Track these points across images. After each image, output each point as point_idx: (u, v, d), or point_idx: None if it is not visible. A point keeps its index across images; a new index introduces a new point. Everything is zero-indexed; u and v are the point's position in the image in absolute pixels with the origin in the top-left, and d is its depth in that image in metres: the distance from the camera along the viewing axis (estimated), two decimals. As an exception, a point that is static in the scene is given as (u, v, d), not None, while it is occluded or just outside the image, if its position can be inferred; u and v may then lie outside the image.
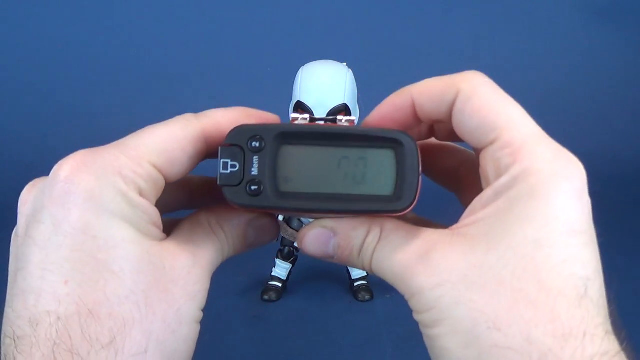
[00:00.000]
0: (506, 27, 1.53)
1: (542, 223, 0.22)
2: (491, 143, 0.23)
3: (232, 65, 1.50)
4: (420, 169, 0.24)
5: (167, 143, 0.24)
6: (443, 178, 0.31)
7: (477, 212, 0.24)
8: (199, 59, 1.52)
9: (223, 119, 0.26)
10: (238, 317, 0.86)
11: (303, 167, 0.24)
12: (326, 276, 0.98)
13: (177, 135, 0.25)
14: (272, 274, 0.92)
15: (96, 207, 0.22)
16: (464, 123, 0.24)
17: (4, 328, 0.22)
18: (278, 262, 0.92)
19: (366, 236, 0.25)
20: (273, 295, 0.90)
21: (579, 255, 0.22)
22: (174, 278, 0.24)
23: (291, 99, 0.78)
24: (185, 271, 0.24)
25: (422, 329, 0.24)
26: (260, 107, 0.27)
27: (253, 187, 0.24)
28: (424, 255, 0.23)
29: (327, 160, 0.24)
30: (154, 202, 0.24)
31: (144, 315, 0.22)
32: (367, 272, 0.26)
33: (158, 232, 0.24)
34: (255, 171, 0.24)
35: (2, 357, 0.22)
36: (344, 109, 0.74)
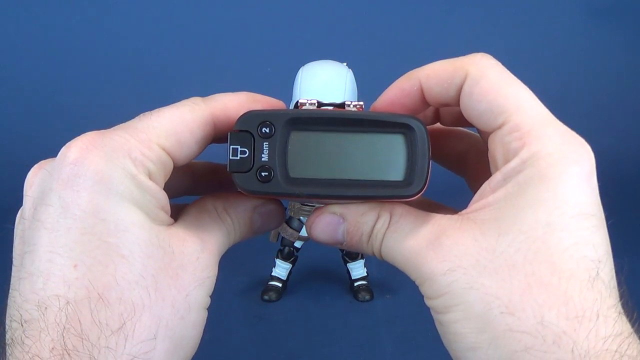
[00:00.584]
0: (506, 27, 1.53)
1: (552, 206, 0.22)
2: (499, 127, 0.23)
3: (232, 65, 1.50)
4: (430, 153, 0.24)
5: (176, 126, 0.24)
6: (451, 162, 0.31)
7: (487, 197, 0.23)
8: (199, 59, 1.52)
9: (231, 103, 0.26)
10: (238, 317, 0.86)
11: (313, 153, 0.24)
12: (326, 276, 0.98)
13: (185, 118, 0.24)
14: (272, 274, 0.92)
15: (106, 189, 0.22)
16: (472, 106, 0.24)
17: (10, 312, 0.22)
18: (278, 262, 0.91)
19: (375, 222, 0.25)
20: (273, 295, 0.90)
21: (589, 238, 0.22)
22: (183, 263, 0.23)
23: (291, 99, 0.78)
24: (194, 257, 0.24)
25: (434, 315, 0.24)
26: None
27: (263, 174, 0.24)
28: (434, 240, 0.23)
29: (337, 145, 0.24)
30: (163, 185, 0.24)
31: (154, 301, 0.22)
32: (377, 258, 0.26)
33: (166, 216, 0.24)
34: (265, 157, 0.24)
35: (9, 341, 0.22)
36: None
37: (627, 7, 1.59)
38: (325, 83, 0.76)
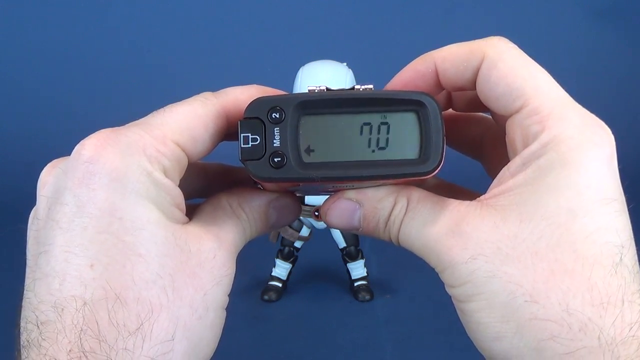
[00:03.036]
0: (506, 27, 1.52)
1: (574, 192, 0.22)
2: (518, 110, 0.23)
3: (232, 65, 1.50)
4: (444, 129, 0.23)
5: (190, 121, 0.24)
6: (467, 147, 0.30)
7: (506, 182, 0.23)
8: (198, 59, 1.52)
9: (242, 95, 0.25)
10: (238, 317, 0.86)
11: (325, 136, 0.24)
12: (326, 276, 0.98)
13: (198, 113, 0.24)
14: (272, 274, 0.92)
15: (122, 187, 0.22)
16: (489, 90, 0.24)
17: (25, 313, 0.22)
18: (278, 262, 0.92)
19: (392, 207, 0.25)
20: (273, 295, 0.90)
21: (612, 223, 0.22)
22: (201, 262, 0.23)
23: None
24: (212, 254, 0.24)
25: (456, 304, 0.24)
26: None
27: (276, 159, 0.23)
28: (454, 227, 0.23)
29: (349, 127, 0.24)
30: (178, 182, 0.24)
31: (171, 300, 0.22)
32: (394, 244, 0.26)
33: (181, 214, 0.24)
34: (277, 142, 0.23)
35: (25, 343, 0.21)
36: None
37: (627, 7, 1.59)
38: (325, 83, 0.76)
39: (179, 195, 0.23)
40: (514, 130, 0.23)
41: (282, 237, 0.90)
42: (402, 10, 1.55)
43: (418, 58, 0.26)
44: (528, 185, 0.22)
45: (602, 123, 0.23)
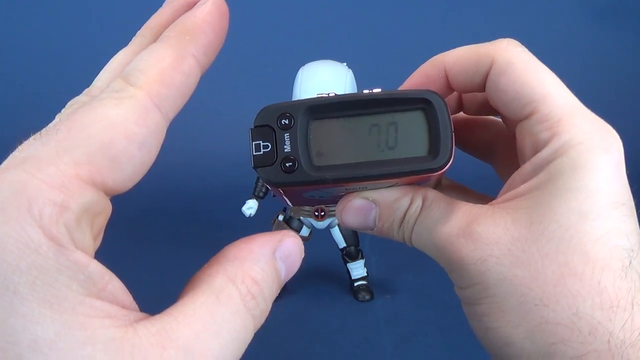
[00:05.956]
0: (506, 27, 1.53)
1: (585, 195, 0.22)
2: (527, 117, 0.23)
3: (231, 65, 1.50)
4: (452, 125, 0.23)
5: (101, 134, 0.16)
6: (478, 151, 0.30)
7: (517, 187, 0.23)
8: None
9: (168, 59, 0.18)
10: (238, 317, 0.86)
11: (334, 140, 0.24)
12: (326, 276, 0.98)
13: (111, 119, 0.16)
14: (272, 274, 0.92)
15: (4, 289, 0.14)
16: (498, 96, 0.24)
17: None
18: (278, 262, 0.91)
19: (408, 207, 0.25)
20: (273, 295, 0.90)
21: (622, 227, 0.22)
22: None
23: (291, 99, 0.78)
24: None
25: (465, 307, 0.24)
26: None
27: (287, 164, 0.23)
28: (465, 228, 0.23)
29: (357, 129, 0.24)
30: (92, 239, 0.16)
31: None
32: (407, 245, 0.26)
33: (117, 308, 0.15)
34: (288, 148, 0.23)
35: None
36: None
37: (627, 7, 1.59)
38: (325, 83, 0.76)
39: (94, 276, 0.15)
40: (524, 136, 0.23)
41: (282, 237, 0.90)
42: (402, 10, 1.55)
43: (427, 62, 0.26)
44: (539, 190, 0.22)
45: (611, 128, 0.23)
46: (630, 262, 0.21)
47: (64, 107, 0.21)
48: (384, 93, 0.24)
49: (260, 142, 0.23)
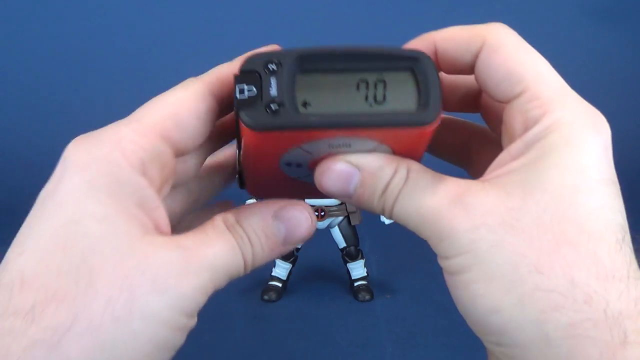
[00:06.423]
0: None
1: (577, 170, 0.22)
2: (518, 95, 0.23)
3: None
4: (441, 82, 0.23)
5: (172, 107, 0.23)
6: (452, 154, 0.30)
7: (508, 164, 0.23)
8: (198, 59, 1.51)
9: (227, 69, 0.24)
10: (238, 317, 0.86)
11: (321, 92, 0.24)
12: (326, 276, 0.98)
13: (180, 97, 0.23)
14: (272, 274, 0.92)
15: (84, 181, 0.21)
16: (489, 74, 0.24)
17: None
18: (278, 262, 0.92)
19: (392, 176, 0.24)
20: (273, 295, 0.90)
21: (613, 203, 0.22)
22: (138, 265, 0.21)
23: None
24: (162, 262, 0.21)
25: (448, 277, 0.23)
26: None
27: (272, 106, 0.23)
28: (456, 198, 0.23)
29: (345, 84, 0.24)
30: (158, 179, 0.23)
31: (81, 292, 0.20)
32: (386, 217, 0.25)
33: (146, 219, 0.22)
34: (274, 91, 0.23)
35: None
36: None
37: (627, 7, 1.59)
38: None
39: (148, 197, 0.22)
40: (514, 115, 0.23)
41: (282, 237, 0.90)
42: (402, 10, 1.55)
43: (417, 38, 0.26)
44: (532, 165, 0.22)
45: (599, 112, 0.23)
46: (624, 237, 0.22)
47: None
48: (375, 47, 0.24)
49: (244, 85, 0.23)
